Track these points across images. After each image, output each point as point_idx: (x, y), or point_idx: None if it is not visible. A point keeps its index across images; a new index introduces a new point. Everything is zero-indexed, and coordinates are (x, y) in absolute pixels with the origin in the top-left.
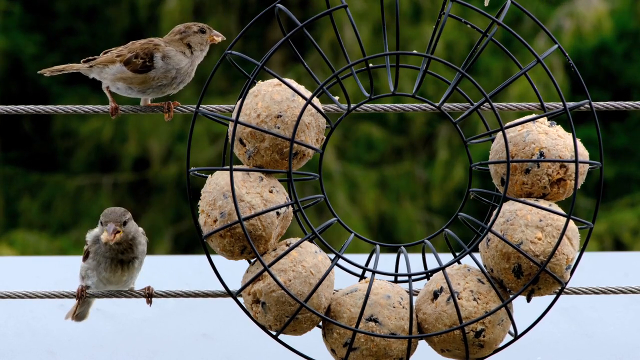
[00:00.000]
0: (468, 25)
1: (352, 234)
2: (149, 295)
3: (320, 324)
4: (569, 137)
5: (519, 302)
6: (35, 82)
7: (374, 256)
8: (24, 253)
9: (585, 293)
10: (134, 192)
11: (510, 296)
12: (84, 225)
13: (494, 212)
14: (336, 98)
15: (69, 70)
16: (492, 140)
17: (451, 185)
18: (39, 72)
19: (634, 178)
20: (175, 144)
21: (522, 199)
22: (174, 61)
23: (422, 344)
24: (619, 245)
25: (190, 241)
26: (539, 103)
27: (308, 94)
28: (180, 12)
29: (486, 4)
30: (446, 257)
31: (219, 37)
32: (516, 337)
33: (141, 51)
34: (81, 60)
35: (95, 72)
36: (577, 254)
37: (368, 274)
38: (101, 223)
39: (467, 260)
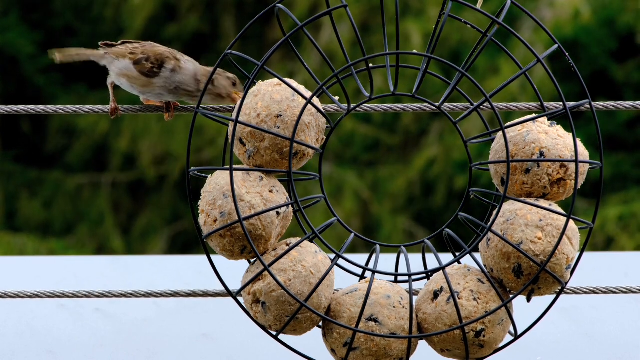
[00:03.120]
0: (468, 26)
1: (352, 234)
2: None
3: (320, 323)
4: (569, 136)
5: (519, 302)
6: (32, 82)
7: (374, 256)
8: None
9: (585, 293)
10: (132, 192)
11: (511, 296)
12: (82, 225)
13: (494, 212)
14: (336, 98)
15: (81, 55)
16: (492, 140)
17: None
18: (49, 50)
19: (628, 175)
20: (171, 143)
21: (522, 199)
22: (181, 77)
23: (422, 344)
24: (609, 242)
25: (187, 241)
26: (539, 103)
27: (308, 93)
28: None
29: (479, 5)
30: (446, 257)
31: (237, 100)
32: (516, 337)
33: (153, 56)
34: (99, 43)
35: (106, 61)
36: (577, 253)
37: (368, 274)
38: None
39: (467, 260)
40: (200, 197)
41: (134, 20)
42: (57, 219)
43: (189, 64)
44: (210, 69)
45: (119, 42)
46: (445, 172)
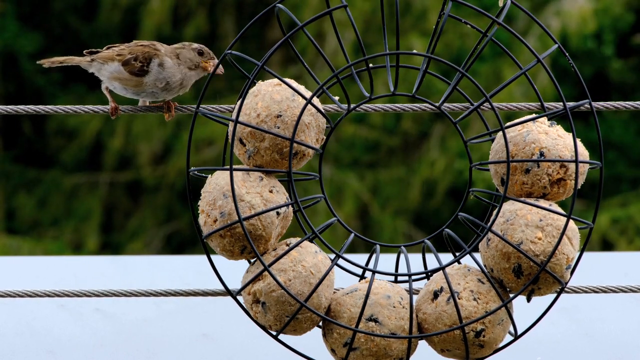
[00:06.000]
0: (468, 26)
1: (352, 234)
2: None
3: (320, 324)
4: (569, 136)
5: (519, 302)
6: (32, 82)
7: (374, 256)
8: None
9: (586, 292)
10: (130, 192)
11: (511, 296)
12: (70, 224)
13: (494, 212)
14: (336, 98)
15: (68, 62)
16: (492, 140)
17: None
18: (38, 62)
19: (623, 177)
20: (171, 144)
21: (522, 199)
22: (168, 72)
23: (422, 344)
24: (606, 244)
25: (182, 241)
26: (539, 103)
27: (308, 93)
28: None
29: (501, 3)
30: (446, 257)
31: (210, 68)
32: (516, 337)
33: (141, 54)
34: (84, 51)
35: (94, 67)
36: (577, 253)
37: (368, 274)
38: None
39: (467, 260)
40: (200, 197)
41: (146, 24)
42: (48, 217)
43: (166, 56)
44: (176, 45)
45: (105, 48)
46: (445, 173)
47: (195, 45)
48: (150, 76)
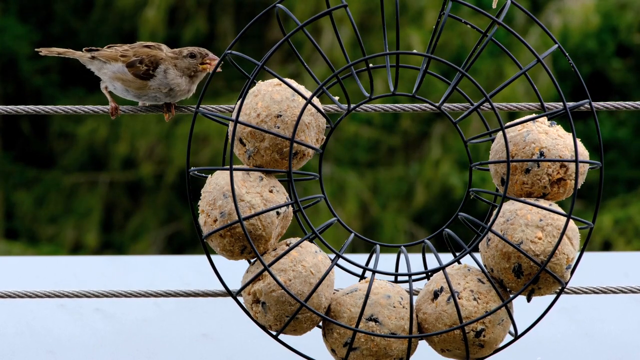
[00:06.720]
0: (468, 26)
1: (352, 234)
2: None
3: (320, 323)
4: (569, 136)
5: (519, 302)
6: (30, 83)
7: (374, 256)
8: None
9: (586, 293)
10: (129, 192)
11: (511, 296)
12: (69, 223)
13: (494, 212)
14: (336, 98)
15: (68, 55)
16: (492, 140)
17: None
18: (36, 49)
19: (622, 178)
20: (167, 140)
21: (522, 199)
22: (171, 78)
23: (422, 344)
24: (606, 244)
25: (183, 241)
26: (539, 103)
27: (308, 93)
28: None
29: (494, 5)
30: (446, 257)
31: (210, 67)
32: (516, 337)
33: (146, 57)
34: (83, 49)
35: (95, 65)
36: (577, 253)
37: (368, 274)
38: None
39: (467, 260)
40: (200, 197)
41: (144, 25)
42: (47, 215)
43: (168, 62)
44: (171, 55)
45: (105, 47)
46: (445, 173)
47: (185, 51)
48: (155, 80)
